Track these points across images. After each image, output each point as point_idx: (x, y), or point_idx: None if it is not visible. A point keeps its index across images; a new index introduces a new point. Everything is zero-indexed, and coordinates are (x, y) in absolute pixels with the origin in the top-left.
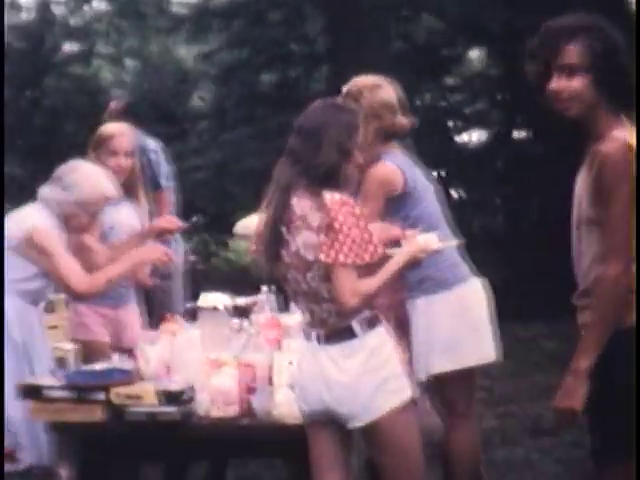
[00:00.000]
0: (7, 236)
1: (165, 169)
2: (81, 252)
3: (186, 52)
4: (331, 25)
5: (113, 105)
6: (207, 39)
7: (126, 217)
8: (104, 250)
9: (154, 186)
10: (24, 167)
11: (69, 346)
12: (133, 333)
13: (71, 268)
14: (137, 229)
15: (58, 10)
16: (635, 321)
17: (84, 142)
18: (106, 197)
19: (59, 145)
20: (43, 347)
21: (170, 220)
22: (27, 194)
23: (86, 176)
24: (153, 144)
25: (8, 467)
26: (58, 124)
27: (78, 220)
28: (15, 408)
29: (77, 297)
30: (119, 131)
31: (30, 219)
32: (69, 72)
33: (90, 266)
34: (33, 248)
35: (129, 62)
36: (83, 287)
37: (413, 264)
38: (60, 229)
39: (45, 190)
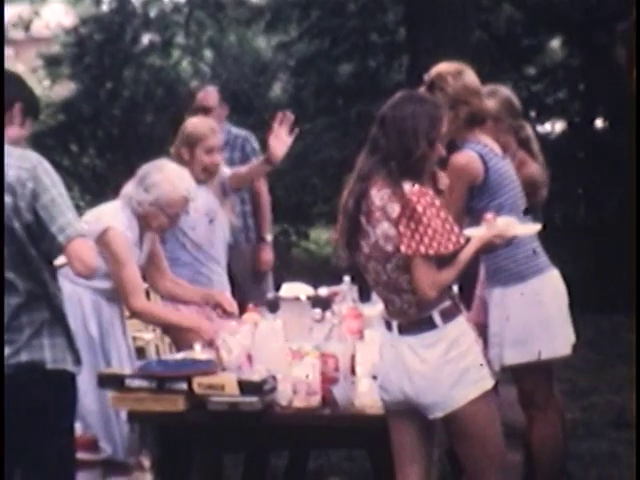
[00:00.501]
0: (86, 230)
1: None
2: (153, 254)
3: (265, 43)
4: (410, 15)
5: (206, 95)
6: (286, 29)
7: (204, 202)
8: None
9: None
10: (102, 158)
11: (149, 336)
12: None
13: (134, 282)
14: (201, 212)
15: (137, 1)
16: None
17: (162, 133)
18: (186, 199)
19: (137, 136)
20: (122, 341)
21: (230, 303)
22: (105, 184)
23: (168, 177)
24: (244, 133)
25: (89, 456)
26: (136, 115)
27: (158, 221)
28: (92, 400)
29: (128, 310)
30: (212, 129)
31: (108, 217)
32: (148, 63)
33: (156, 270)
34: (105, 247)
35: (208, 53)
36: (137, 307)
37: (490, 249)
38: (139, 229)
39: (128, 188)
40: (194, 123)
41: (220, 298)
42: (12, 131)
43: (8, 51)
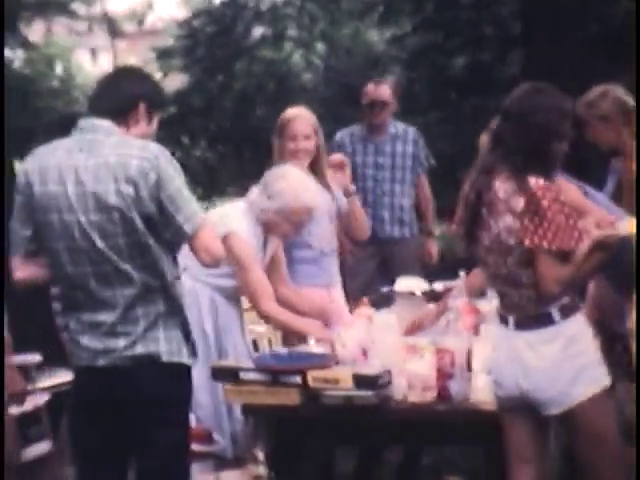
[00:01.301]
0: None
1: (422, 154)
2: (275, 259)
3: (377, 35)
4: (526, 8)
5: (383, 90)
6: (399, 22)
7: (323, 200)
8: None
9: (414, 171)
10: (213, 150)
11: (261, 329)
12: (340, 314)
13: (262, 286)
14: (323, 211)
15: None
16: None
17: (273, 126)
18: (310, 209)
19: (248, 129)
20: (240, 340)
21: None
22: (215, 176)
23: (292, 186)
24: (411, 128)
25: (203, 448)
26: (248, 108)
27: (282, 229)
28: (204, 394)
29: (259, 314)
30: (297, 114)
31: (232, 220)
32: (259, 56)
33: (276, 276)
34: (228, 250)
35: (320, 46)
36: (268, 311)
37: (604, 249)
38: (262, 233)
39: (253, 194)
40: (287, 110)
41: (333, 318)
42: (138, 130)
43: (121, 44)
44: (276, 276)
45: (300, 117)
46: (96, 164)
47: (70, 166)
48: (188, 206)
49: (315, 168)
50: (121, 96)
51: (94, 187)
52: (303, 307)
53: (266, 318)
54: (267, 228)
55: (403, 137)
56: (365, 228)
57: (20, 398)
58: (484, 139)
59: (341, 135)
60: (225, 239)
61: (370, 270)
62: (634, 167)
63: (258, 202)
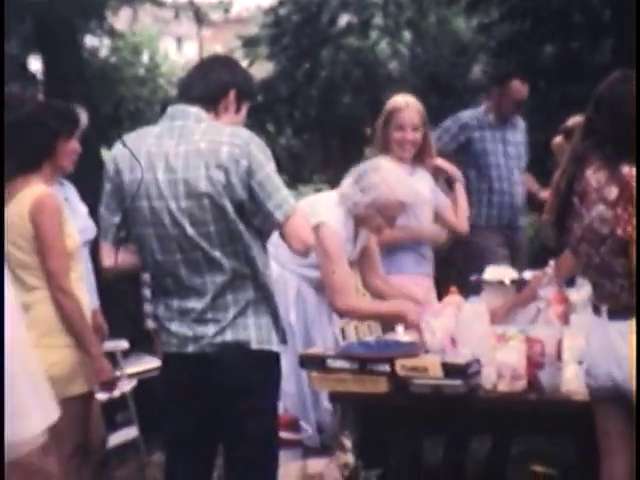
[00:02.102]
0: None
1: None
2: (367, 250)
3: (464, 23)
4: None
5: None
6: (487, 10)
7: (423, 189)
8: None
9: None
10: (299, 138)
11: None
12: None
13: (343, 281)
14: (424, 199)
15: None
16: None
17: (360, 114)
18: (403, 203)
19: (334, 117)
20: (328, 329)
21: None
22: (301, 164)
23: (385, 179)
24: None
25: (291, 435)
26: (334, 96)
27: (374, 222)
28: (290, 383)
29: (333, 309)
30: (406, 104)
31: (323, 211)
32: (346, 44)
33: (368, 267)
34: (317, 242)
35: (406, 34)
36: (343, 307)
37: None
38: (352, 227)
39: (346, 186)
40: (393, 98)
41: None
42: (227, 118)
43: (206, 32)
44: (368, 267)
45: (409, 106)
46: (186, 150)
47: (160, 153)
48: (279, 193)
49: (421, 157)
50: (212, 84)
51: (184, 174)
52: (392, 297)
53: (342, 313)
54: (359, 221)
55: (519, 126)
56: (465, 220)
57: (109, 385)
58: (557, 141)
59: (466, 118)
60: (315, 229)
61: (501, 258)
62: None
63: (350, 195)
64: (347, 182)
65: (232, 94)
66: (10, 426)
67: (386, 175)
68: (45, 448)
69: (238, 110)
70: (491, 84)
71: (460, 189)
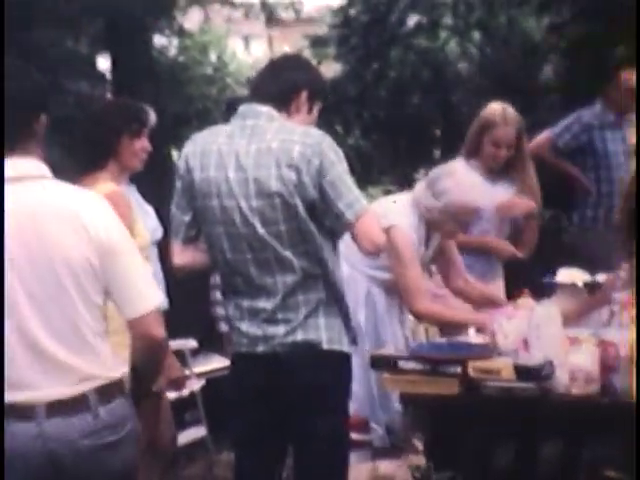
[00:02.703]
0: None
1: None
2: (445, 252)
3: (535, 23)
4: None
5: None
6: (558, 10)
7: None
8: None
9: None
10: (367, 138)
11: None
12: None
13: (417, 284)
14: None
15: None
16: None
17: (428, 115)
18: (477, 209)
19: (403, 117)
20: (399, 331)
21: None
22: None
23: (459, 184)
24: None
25: (361, 436)
26: (403, 96)
27: (447, 227)
28: (357, 385)
29: (410, 312)
30: (503, 120)
31: (395, 214)
32: (415, 44)
33: (449, 268)
34: (389, 244)
35: (475, 34)
36: (420, 309)
37: None
38: (424, 231)
39: (419, 190)
40: (492, 108)
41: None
42: (299, 118)
43: (274, 32)
44: (449, 268)
45: (507, 124)
46: (258, 149)
47: (231, 151)
48: (350, 193)
49: (508, 170)
50: (284, 84)
51: (255, 172)
52: (474, 296)
53: (419, 316)
54: (431, 226)
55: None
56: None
57: (178, 383)
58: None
59: (588, 117)
60: (386, 232)
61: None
62: None
63: (423, 200)
64: (420, 186)
65: (304, 94)
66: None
67: (460, 180)
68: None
69: (310, 110)
70: (603, 80)
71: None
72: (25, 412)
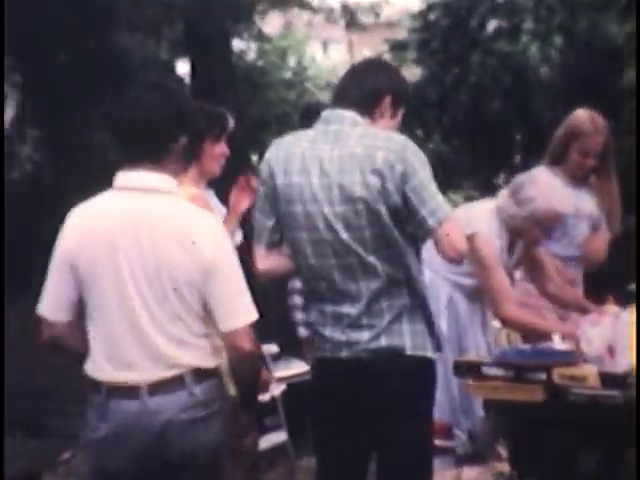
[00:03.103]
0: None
1: None
2: (534, 258)
3: (618, 28)
4: None
5: None
6: None
7: (586, 204)
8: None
9: None
10: (448, 143)
11: (499, 324)
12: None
13: (505, 289)
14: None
15: None
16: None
17: (509, 120)
18: (560, 215)
19: (484, 122)
20: (481, 338)
21: None
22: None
23: (543, 192)
24: None
25: (445, 443)
26: (483, 101)
27: (531, 234)
28: (440, 391)
29: (498, 317)
30: (593, 129)
31: (479, 221)
32: (495, 49)
33: (540, 273)
34: (473, 251)
35: (557, 39)
36: (508, 315)
37: None
38: (506, 239)
39: (502, 198)
40: (580, 116)
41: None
42: (382, 123)
43: (354, 36)
44: (539, 274)
45: (597, 132)
46: (341, 155)
47: (315, 157)
48: (433, 199)
49: (599, 174)
50: (368, 89)
51: (339, 178)
52: (569, 303)
53: (506, 322)
54: (515, 233)
55: None
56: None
57: (263, 386)
58: None
59: None
60: (470, 239)
61: None
62: None
63: (507, 208)
64: (503, 194)
65: (388, 99)
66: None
67: (543, 188)
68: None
69: (394, 115)
70: None
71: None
72: (130, 391)
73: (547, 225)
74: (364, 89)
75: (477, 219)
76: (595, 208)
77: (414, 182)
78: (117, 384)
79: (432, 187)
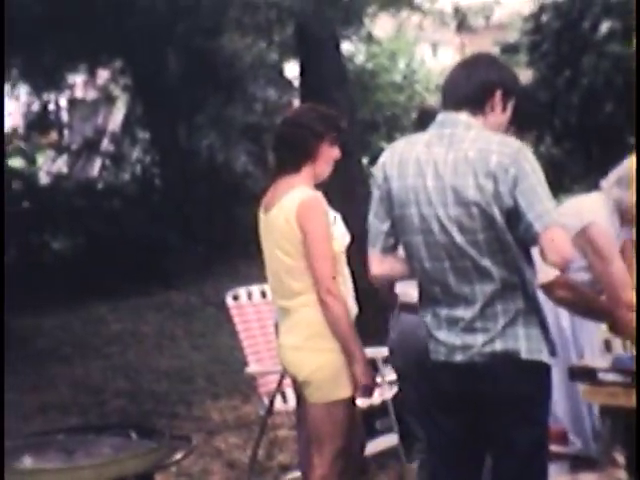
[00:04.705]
0: (566, 223)
1: None
2: (624, 248)
3: None
4: None
5: None
6: None
7: None
8: None
9: None
10: (559, 146)
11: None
12: None
13: (623, 278)
14: None
15: None
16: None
17: (621, 122)
18: None
19: (596, 125)
20: (595, 334)
21: None
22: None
23: None
24: None
25: (560, 448)
26: (595, 104)
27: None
28: (561, 392)
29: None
30: None
31: (590, 212)
32: (608, 51)
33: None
34: (588, 244)
35: None
36: (630, 301)
37: None
38: (618, 226)
39: (608, 184)
40: None
41: None
42: (493, 118)
43: (463, 38)
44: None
45: None
46: (455, 158)
47: (429, 160)
48: (540, 204)
49: None
50: (477, 84)
51: (453, 181)
52: None
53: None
54: (624, 217)
55: None
56: None
57: (369, 390)
58: None
59: None
60: (584, 231)
61: None
62: None
63: (615, 192)
64: (609, 181)
65: (498, 93)
66: None
67: None
68: None
69: (504, 109)
70: None
71: None
72: None
73: None
74: (474, 85)
75: (589, 210)
76: None
77: (524, 185)
78: None
79: (542, 193)
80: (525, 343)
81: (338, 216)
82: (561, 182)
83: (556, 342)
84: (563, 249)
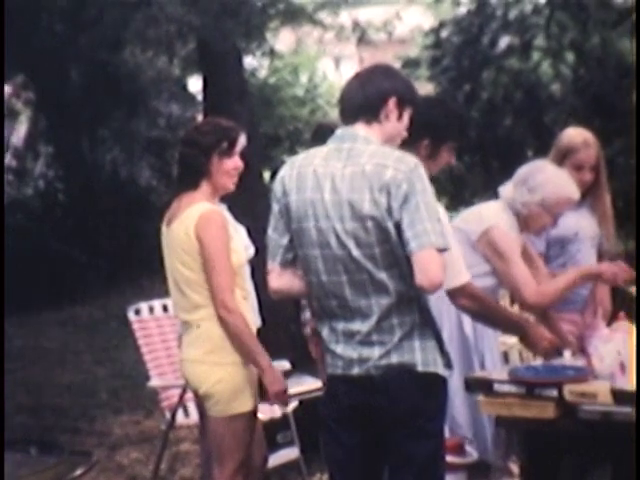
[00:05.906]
0: (467, 230)
1: None
2: (525, 253)
3: (629, 45)
4: None
5: None
6: None
7: (588, 224)
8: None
9: None
10: (459, 160)
11: (512, 340)
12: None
13: (524, 277)
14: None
15: (497, 3)
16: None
17: (521, 137)
18: (571, 200)
19: (496, 139)
20: (494, 343)
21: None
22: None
23: (551, 178)
24: None
25: (456, 459)
26: (495, 118)
27: (541, 221)
28: (462, 400)
29: (526, 307)
30: (583, 143)
31: (491, 217)
32: (507, 66)
33: (531, 266)
34: (489, 246)
35: (569, 55)
36: (533, 299)
37: None
38: (518, 231)
39: (507, 190)
40: (570, 133)
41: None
42: (389, 126)
43: (365, 53)
44: (531, 267)
45: (588, 146)
46: (352, 172)
47: (327, 173)
48: (421, 224)
49: (592, 192)
50: (371, 93)
51: (350, 195)
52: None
53: (534, 307)
54: (524, 222)
55: None
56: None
57: (282, 396)
58: None
59: None
60: (485, 234)
61: None
62: None
63: (517, 197)
64: (508, 187)
65: (392, 101)
66: None
67: (552, 174)
68: None
69: (400, 117)
70: None
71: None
72: None
73: (557, 209)
74: (367, 94)
75: (489, 215)
76: (596, 228)
77: (411, 203)
78: None
79: (426, 213)
80: (421, 355)
81: (242, 229)
82: (461, 195)
83: (460, 351)
84: (432, 272)
